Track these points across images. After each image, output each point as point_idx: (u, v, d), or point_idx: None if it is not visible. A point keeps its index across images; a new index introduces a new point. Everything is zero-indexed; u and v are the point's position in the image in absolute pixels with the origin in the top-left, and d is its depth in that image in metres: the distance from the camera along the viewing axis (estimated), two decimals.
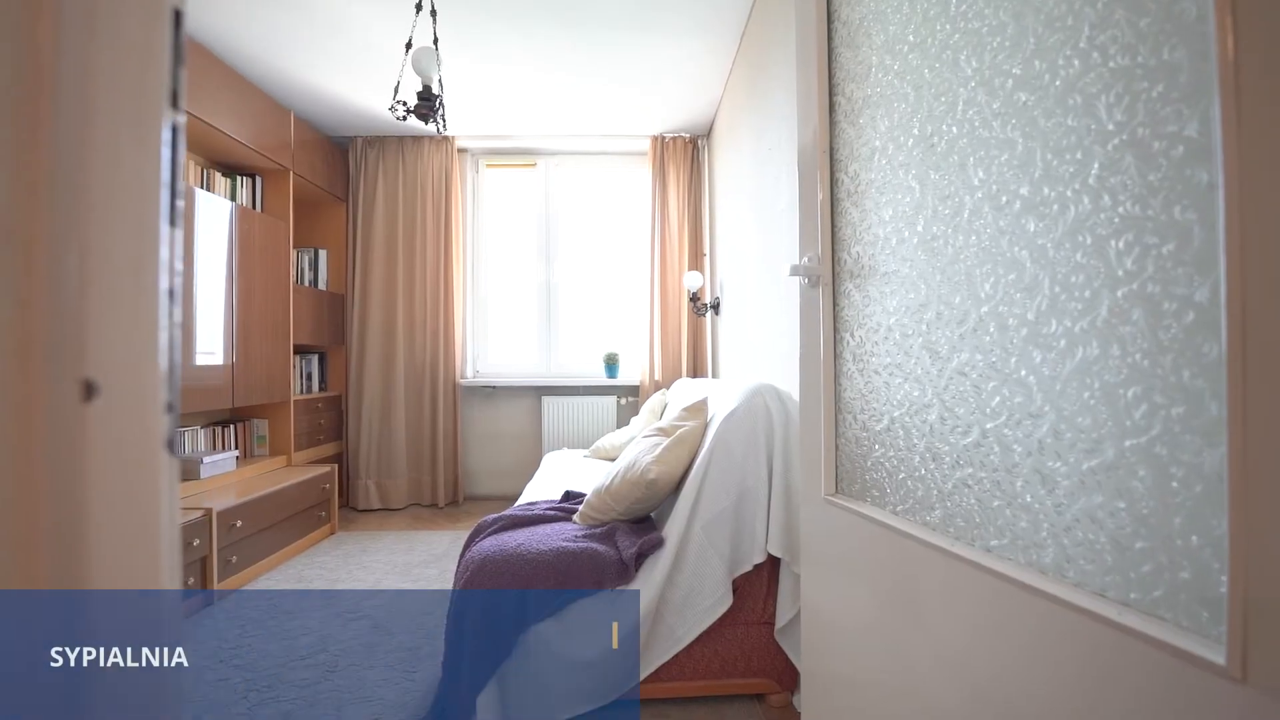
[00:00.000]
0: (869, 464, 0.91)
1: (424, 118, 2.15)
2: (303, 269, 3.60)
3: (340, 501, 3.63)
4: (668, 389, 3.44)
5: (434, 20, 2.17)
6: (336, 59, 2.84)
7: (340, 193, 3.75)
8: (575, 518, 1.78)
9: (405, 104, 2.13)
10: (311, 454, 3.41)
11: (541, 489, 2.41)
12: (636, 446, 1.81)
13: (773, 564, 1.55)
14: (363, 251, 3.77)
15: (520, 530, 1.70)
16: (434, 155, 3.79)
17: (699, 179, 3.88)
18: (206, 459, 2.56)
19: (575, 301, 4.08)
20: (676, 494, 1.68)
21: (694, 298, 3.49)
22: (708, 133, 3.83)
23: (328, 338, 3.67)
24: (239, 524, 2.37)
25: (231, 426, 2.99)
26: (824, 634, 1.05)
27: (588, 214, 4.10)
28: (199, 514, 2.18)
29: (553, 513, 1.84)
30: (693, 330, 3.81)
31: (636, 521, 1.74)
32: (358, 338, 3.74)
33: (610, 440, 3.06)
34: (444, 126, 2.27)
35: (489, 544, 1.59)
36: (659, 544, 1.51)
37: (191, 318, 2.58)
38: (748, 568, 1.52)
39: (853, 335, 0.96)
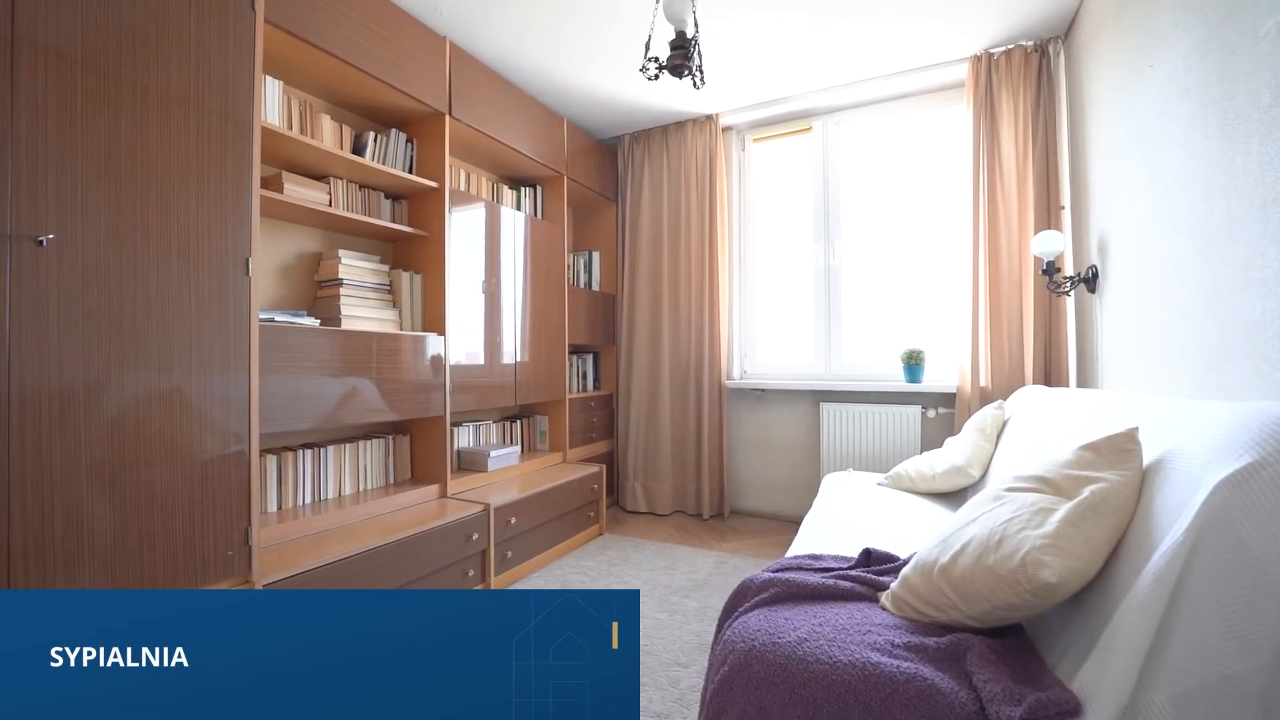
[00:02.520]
0: None
1: (678, 71, 1.80)
2: (578, 271, 3.73)
3: (610, 500, 3.65)
4: (1004, 400, 2.46)
5: None
6: (601, 53, 2.75)
7: (610, 193, 3.78)
8: (885, 601, 1.17)
9: (657, 59, 1.80)
10: (585, 450, 3.48)
11: (824, 530, 1.84)
12: (1000, 508, 1.10)
13: None
14: (630, 249, 3.72)
15: (800, 608, 1.17)
16: (697, 138, 3.51)
17: (1051, 102, 2.72)
18: (494, 453, 2.71)
19: (862, 287, 3.33)
20: (1079, 599, 0.93)
21: (1049, 269, 2.40)
22: (1066, 30, 2.65)
23: (600, 338, 3.72)
24: (514, 521, 2.41)
25: (518, 422, 3.19)
26: None
27: (877, 179, 3.30)
28: (479, 509, 2.26)
29: (847, 584, 1.26)
30: (1044, 315, 2.68)
31: (996, 633, 1.04)
32: (626, 337, 3.71)
33: (917, 467, 2.29)
34: (701, 80, 1.89)
35: (755, 624, 1.11)
36: (1074, 714, 0.80)
37: (499, 325, 2.77)
38: None
39: None
